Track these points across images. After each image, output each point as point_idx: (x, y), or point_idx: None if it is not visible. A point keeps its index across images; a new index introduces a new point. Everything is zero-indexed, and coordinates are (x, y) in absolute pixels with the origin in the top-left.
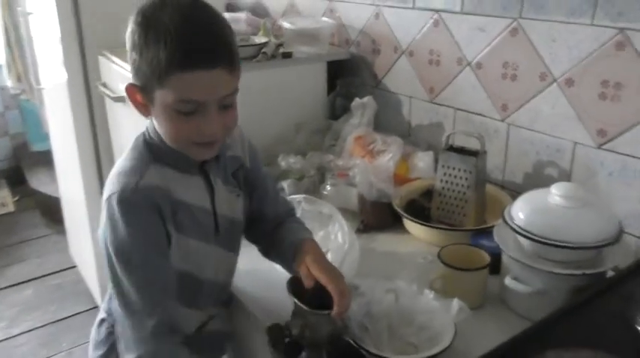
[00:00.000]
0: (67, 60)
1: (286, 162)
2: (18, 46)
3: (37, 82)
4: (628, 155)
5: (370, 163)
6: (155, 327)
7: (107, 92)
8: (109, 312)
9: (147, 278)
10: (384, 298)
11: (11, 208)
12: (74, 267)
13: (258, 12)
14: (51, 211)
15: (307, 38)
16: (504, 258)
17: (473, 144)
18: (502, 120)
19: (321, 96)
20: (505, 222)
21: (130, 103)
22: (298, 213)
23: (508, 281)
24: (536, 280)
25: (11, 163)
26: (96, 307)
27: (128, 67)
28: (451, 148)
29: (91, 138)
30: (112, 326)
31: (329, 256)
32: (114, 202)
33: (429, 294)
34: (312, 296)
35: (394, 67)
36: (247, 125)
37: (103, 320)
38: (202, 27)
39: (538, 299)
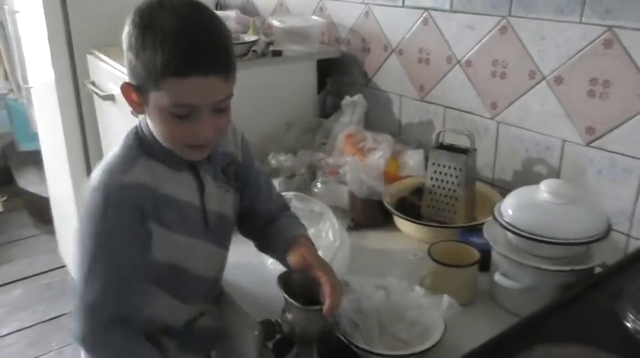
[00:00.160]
0: (54, 58)
1: (277, 160)
2: (5, 44)
3: (25, 81)
4: (616, 152)
5: (361, 161)
6: (107, 318)
7: (96, 90)
8: None
9: (109, 274)
10: (374, 294)
11: None
12: (63, 266)
13: (248, 10)
14: (39, 211)
15: (297, 37)
16: (494, 255)
17: (463, 141)
18: (492, 118)
19: (311, 94)
20: (495, 218)
21: (123, 101)
22: None
23: (497, 277)
24: (525, 276)
25: None
26: None
27: (117, 65)
28: (441, 146)
29: (79, 137)
30: None
31: (320, 254)
32: (97, 196)
33: (420, 291)
34: (302, 293)
35: (384, 65)
36: (238, 123)
37: None
38: (200, 31)
39: (527, 295)
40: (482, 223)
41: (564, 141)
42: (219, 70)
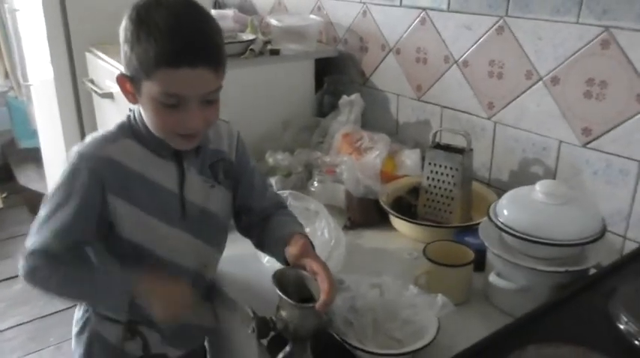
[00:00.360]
0: (54, 56)
1: (274, 158)
2: (5, 42)
3: (25, 79)
4: (612, 154)
5: (357, 160)
6: (40, 251)
7: (94, 88)
8: None
9: (53, 226)
10: (368, 293)
11: None
12: None
13: (246, 9)
14: (39, 208)
15: (295, 36)
16: (489, 255)
17: (459, 141)
18: (488, 118)
19: (308, 93)
20: (490, 219)
21: (121, 99)
22: None
23: (492, 277)
24: (519, 277)
25: None
26: None
27: (115, 63)
28: (438, 146)
29: (78, 134)
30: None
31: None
32: (72, 157)
33: (414, 290)
34: (296, 290)
35: (381, 64)
36: (235, 121)
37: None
38: (191, 27)
39: (522, 295)
40: (478, 223)
41: (561, 141)
42: (208, 63)
